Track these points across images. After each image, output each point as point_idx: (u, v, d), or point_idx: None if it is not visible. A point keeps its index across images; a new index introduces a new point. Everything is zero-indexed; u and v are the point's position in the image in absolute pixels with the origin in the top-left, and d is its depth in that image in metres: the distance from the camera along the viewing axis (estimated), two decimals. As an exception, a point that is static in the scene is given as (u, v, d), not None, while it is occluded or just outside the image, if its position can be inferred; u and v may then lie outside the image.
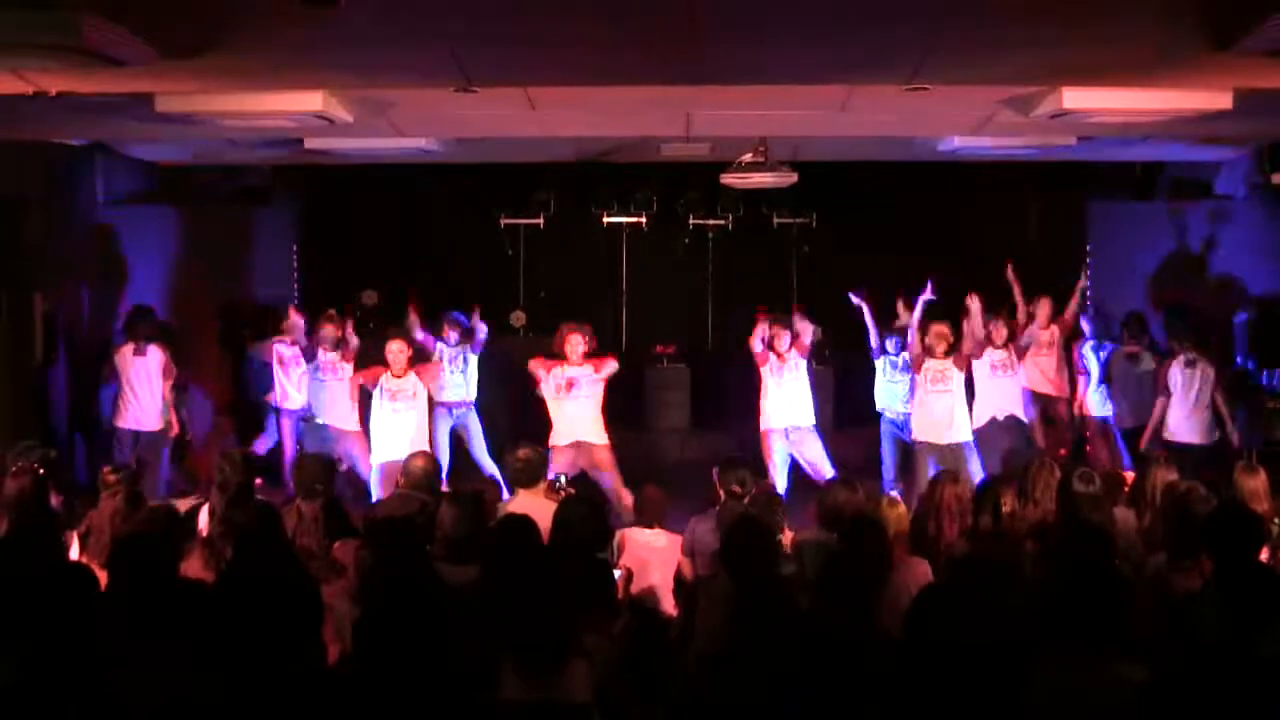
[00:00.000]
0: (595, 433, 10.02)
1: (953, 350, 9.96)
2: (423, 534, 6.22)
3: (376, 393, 10.02)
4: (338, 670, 4.14)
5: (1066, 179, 12.80)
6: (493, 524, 6.18)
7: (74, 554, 6.62)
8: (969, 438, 9.93)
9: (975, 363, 10.21)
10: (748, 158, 10.03)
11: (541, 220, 14.46)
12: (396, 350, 10.04)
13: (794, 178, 10.23)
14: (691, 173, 12.57)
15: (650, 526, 7.28)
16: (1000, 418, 10.34)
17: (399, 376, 10.00)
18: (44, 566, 5.11)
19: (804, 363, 10.46)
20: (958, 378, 9.97)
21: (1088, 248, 12.50)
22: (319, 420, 10.38)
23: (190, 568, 5.83)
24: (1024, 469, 7.25)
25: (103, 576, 4.76)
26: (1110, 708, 3.92)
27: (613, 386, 14.36)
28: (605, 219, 14.62)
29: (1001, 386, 10.38)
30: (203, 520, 7.21)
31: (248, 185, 13.02)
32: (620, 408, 14.32)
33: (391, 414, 9.97)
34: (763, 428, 10.41)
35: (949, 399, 9.96)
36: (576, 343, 10.05)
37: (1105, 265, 12.43)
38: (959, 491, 6.76)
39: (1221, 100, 7.68)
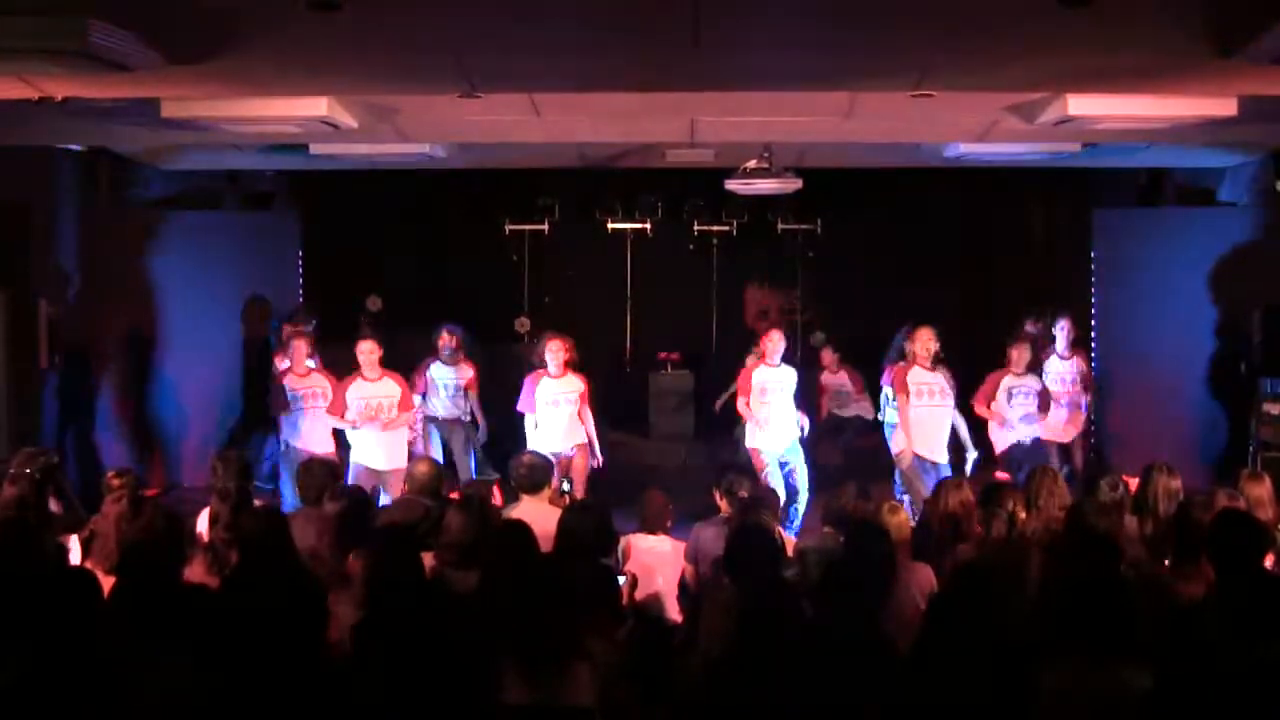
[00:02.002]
0: (571, 442, 10.06)
1: (939, 361, 9.71)
2: (426, 539, 6.22)
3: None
4: (341, 673, 4.14)
5: (1071, 185, 12.80)
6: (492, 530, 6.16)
7: (76, 558, 6.63)
8: (945, 460, 9.68)
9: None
10: (752, 164, 10.02)
11: (546, 226, 14.51)
12: (368, 350, 9.67)
13: (798, 183, 10.23)
14: (696, 179, 12.60)
15: (654, 532, 7.28)
16: (1026, 442, 10.00)
17: (373, 381, 9.66)
18: (42, 571, 5.12)
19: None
20: (950, 394, 9.71)
21: (1092, 254, 12.49)
22: (296, 446, 9.99)
23: (193, 572, 5.84)
24: (1028, 477, 7.27)
25: (108, 582, 4.78)
26: (1115, 712, 3.93)
27: (617, 392, 14.44)
28: (610, 225, 14.65)
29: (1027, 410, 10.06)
30: (203, 524, 7.21)
31: (253, 190, 13.03)
32: (624, 413, 14.39)
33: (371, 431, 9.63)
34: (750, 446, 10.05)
35: (942, 414, 9.71)
36: (556, 349, 9.99)
37: (1110, 272, 12.42)
38: (963, 497, 6.77)
39: (1226, 107, 7.68)
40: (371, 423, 9.55)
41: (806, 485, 9.94)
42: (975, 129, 9.25)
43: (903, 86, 7.26)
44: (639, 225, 14.66)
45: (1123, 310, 12.26)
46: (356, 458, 9.63)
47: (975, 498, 6.86)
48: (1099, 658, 4.07)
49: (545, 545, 5.97)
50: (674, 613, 7.01)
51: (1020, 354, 10.10)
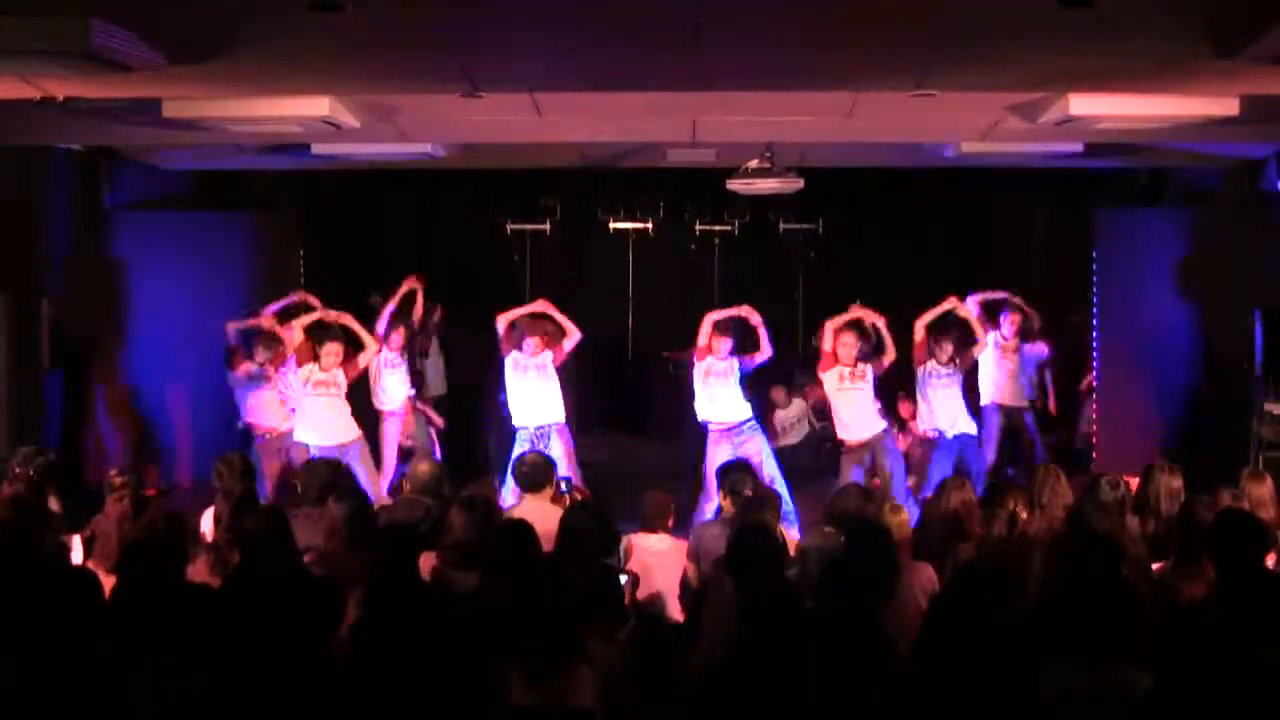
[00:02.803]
0: (555, 413, 10.26)
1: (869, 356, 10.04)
2: (428, 539, 6.22)
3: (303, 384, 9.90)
4: (344, 673, 4.14)
5: (1072, 185, 12.79)
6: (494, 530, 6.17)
7: (77, 558, 6.63)
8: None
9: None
10: (754, 164, 10.01)
11: (548, 226, 14.50)
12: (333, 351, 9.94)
13: (800, 183, 10.21)
14: (697, 179, 12.58)
15: (655, 532, 7.28)
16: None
17: (326, 370, 9.92)
18: (43, 571, 5.13)
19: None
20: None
21: (1093, 254, 12.48)
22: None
23: (196, 572, 5.84)
24: (1031, 476, 7.27)
25: (110, 581, 4.78)
26: (1116, 713, 3.93)
27: (619, 392, 14.45)
28: (612, 225, 14.65)
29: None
30: (208, 524, 7.23)
31: (254, 190, 13.03)
32: (626, 413, 14.39)
33: (318, 400, 9.88)
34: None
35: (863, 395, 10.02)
36: (535, 345, 10.24)
37: (1111, 272, 12.42)
38: (965, 496, 6.78)
39: (1228, 107, 7.68)
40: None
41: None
42: (977, 129, 9.25)
43: (904, 86, 7.26)
44: (640, 225, 14.66)
45: (1123, 310, 12.25)
46: (315, 439, 9.77)
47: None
48: (1100, 658, 4.07)
49: (546, 545, 5.97)
50: (675, 612, 7.01)
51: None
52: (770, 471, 9.86)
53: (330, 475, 7.57)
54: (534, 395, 10.21)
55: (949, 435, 10.21)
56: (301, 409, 9.89)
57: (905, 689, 4.07)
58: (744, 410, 10.28)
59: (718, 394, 10.19)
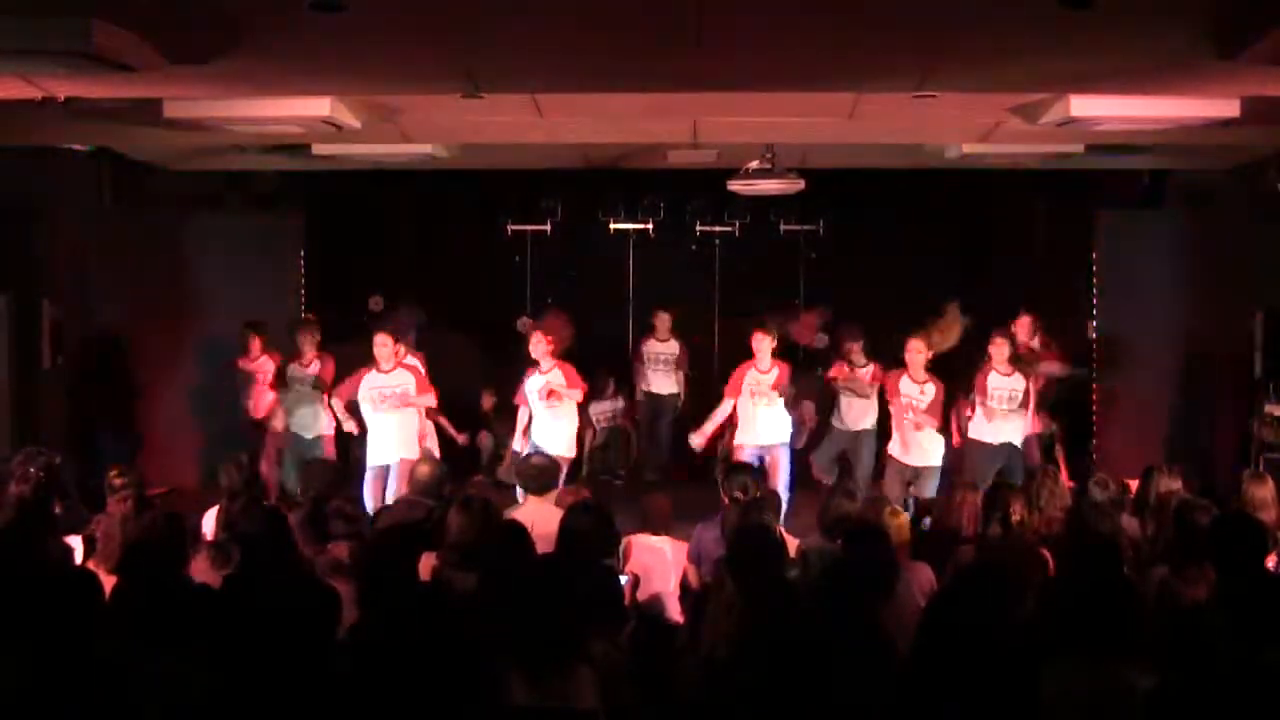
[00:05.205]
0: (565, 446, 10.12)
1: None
2: (429, 540, 6.23)
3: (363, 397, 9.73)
4: (344, 674, 4.13)
5: (1073, 186, 12.79)
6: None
7: (79, 559, 6.64)
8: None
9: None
10: (755, 164, 10.01)
11: (549, 227, 14.49)
12: (380, 343, 9.71)
13: (801, 184, 10.21)
14: (698, 179, 12.58)
15: (656, 533, 7.28)
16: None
17: (386, 373, 9.74)
18: (46, 572, 5.13)
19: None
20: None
21: (1093, 255, 12.49)
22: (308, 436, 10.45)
23: (196, 569, 5.83)
24: (1030, 478, 7.28)
25: (110, 582, 4.78)
26: (1116, 712, 3.93)
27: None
28: (612, 226, 14.63)
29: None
30: (207, 524, 7.24)
31: (255, 191, 13.03)
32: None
33: (375, 415, 9.73)
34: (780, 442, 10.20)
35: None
36: (537, 341, 10.06)
37: (1111, 273, 12.42)
38: (977, 499, 6.80)
39: (1229, 108, 7.68)
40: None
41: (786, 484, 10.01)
42: (978, 130, 9.25)
43: (905, 87, 7.26)
44: (641, 226, 14.65)
45: (1124, 311, 12.25)
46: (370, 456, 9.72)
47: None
48: (1100, 658, 4.06)
49: (548, 546, 5.97)
50: (675, 613, 7.01)
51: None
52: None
53: (331, 478, 7.59)
54: (546, 425, 10.17)
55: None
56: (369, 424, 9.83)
57: (905, 689, 4.07)
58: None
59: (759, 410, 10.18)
